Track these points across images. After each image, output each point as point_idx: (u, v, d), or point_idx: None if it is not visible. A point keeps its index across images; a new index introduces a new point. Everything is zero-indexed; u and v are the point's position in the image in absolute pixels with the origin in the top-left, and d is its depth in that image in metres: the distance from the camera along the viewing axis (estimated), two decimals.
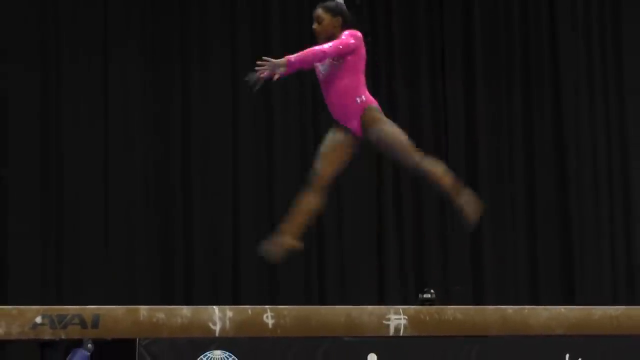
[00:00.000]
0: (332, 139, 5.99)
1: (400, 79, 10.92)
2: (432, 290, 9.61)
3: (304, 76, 10.58)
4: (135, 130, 10.07)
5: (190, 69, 10.28)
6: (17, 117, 9.75)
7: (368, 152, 10.56)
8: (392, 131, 5.87)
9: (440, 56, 11.12)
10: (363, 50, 5.86)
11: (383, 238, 10.73)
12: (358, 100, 5.86)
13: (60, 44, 9.92)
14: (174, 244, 10.08)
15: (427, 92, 11.04)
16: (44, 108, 9.85)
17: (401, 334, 5.45)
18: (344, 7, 5.94)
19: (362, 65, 5.88)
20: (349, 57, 5.83)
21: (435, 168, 6.01)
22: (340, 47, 5.77)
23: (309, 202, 5.94)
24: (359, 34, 5.84)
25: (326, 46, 5.76)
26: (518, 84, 11.28)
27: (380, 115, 5.89)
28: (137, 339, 7.75)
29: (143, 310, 5.13)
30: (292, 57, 5.69)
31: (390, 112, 10.82)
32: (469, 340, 8.38)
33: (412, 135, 10.64)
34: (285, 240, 5.88)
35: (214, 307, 5.28)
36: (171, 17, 10.29)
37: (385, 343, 8.31)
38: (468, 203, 5.99)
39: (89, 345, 4.91)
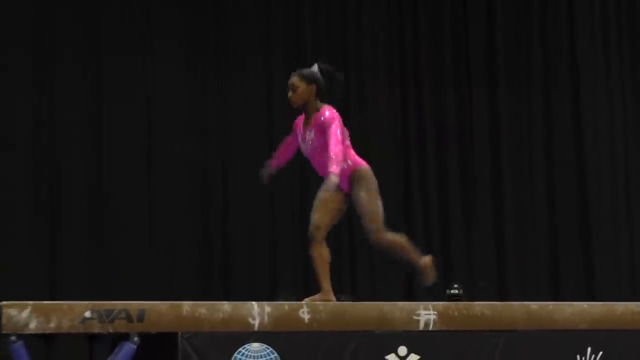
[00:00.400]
0: (322, 192, 5.93)
1: (427, 86, 10.86)
2: (457, 286, 9.56)
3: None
4: (176, 132, 10.06)
5: (228, 69, 10.26)
6: (65, 116, 9.74)
7: (395, 154, 10.67)
8: (367, 198, 5.83)
9: (465, 64, 11.05)
10: (340, 122, 5.82)
11: (411, 236, 10.66)
12: (345, 165, 5.80)
13: (102, 44, 9.92)
14: (212, 242, 10.07)
15: (453, 97, 10.98)
16: (90, 109, 9.85)
17: (430, 328, 5.43)
18: (319, 75, 5.84)
19: (342, 138, 5.81)
20: (324, 137, 5.79)
21: (397, 239, 6.03)
22: (339, 146, 5.73)
23: (321, 255, 5.97)
24: (334, 112, 5.81)
25: (334, 152, 5.70)
26: (539, 89, 11.20)
27: (365, 180, 5.84)
28: (180, 333, 7.74)
29: (186, 305, 5.13)
30: (335, 170, 5.65)
31: (418, 116, 10.83)
32: (494, 334, 8.31)
33: (438, 138, 10.75)
34: (324, 296, 5.93)
35: (253, 302, 5.27)
36: (207, 19, 10.26)
37: (415, 336, 8.24)
38: (426, 267, 6.04)
39: (135, 339, 4.88)
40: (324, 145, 5.78)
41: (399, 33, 10.91)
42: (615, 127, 11.32)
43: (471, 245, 10.83)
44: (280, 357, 8.14)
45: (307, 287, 10.14)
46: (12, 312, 4.75)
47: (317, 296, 5.88)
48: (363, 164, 5.88)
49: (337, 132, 5.75)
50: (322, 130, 5.76)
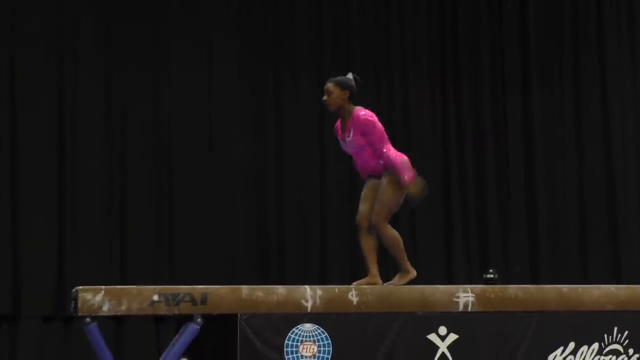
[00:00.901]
0: (369, 183, 6.02)
1: (465, 87, 10.85)
2: (492, 271, 9.55)
3: (385, 90, 10.60)
4: (234, 127, 10.12)
5: (282, 70, 10.32)
6: (130, 118, 9.84)
7: (433, 144, 10.68)
8: (385, 187, 5.84)
9: (501, 66, 11.03)
10: (379, 125, 5.87)
11: (450, 224, 10.70)
12: (378, 162, 5.89)
13: (169, 45, 10.00)
14: (268, 229, 10.13)
15: (489, 98, 10.96)
16: (155, 109, 9.94)
17: (469, 309, 5.45)
18: (352, 81, 5.95)
19: (382, 136, 5.88)
20: (362, 136, 5.86)
21: (395, 236, 6.00)
22: (395, 159, 5.82)
23: (368, 242, 5.99)
24: (369, 112, 5.89)
25: (390, 157, 5.82)
26: (570, 89, 11.15)
27: (393, 176, 5.84)
28: (239, 314, 7.81)
29: (244, 289, 5.19)
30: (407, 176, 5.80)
31: (456, 116, 10.83)
32: (527, 315, 8.32)
33: (475, 135, 10.74)
34: (371, 280, 5.93)
35: (306, 286, 5.32)
36: (263, 24, 10.31)
37: (453, 317, 8.26)
38: (402, 278, 5.99)
39: (199, 320, 4.95)
40: (364, 145, 5.86)
41: (440, 36, 10.90)
42: None
43: (506, 233, 10.81)
44: (330, 337, 8.21)
45: (354, 271, 10.19)
46: (87, 295, 4.84)
47: (364, 280, 5.90)
48: (399, 157, 5.89)
49: (384, 135, 5.83)
50: (362, 131, 5.84)
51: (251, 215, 10.07)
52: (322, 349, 8.17)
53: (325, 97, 5.97)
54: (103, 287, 4.88)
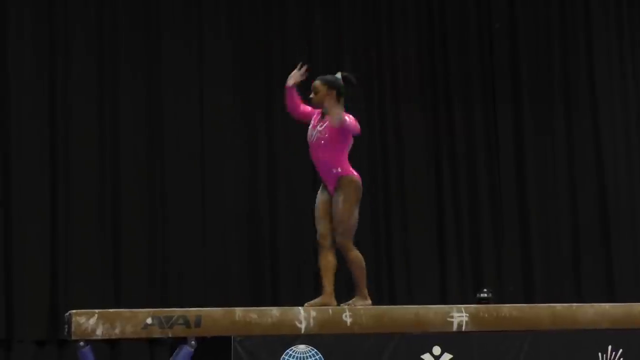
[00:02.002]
0: (320, 199, 5.95)
1: (456, 103, 10.86)
2: (486, 290, 9.54)
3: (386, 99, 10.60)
4: (227, 149, 10.11)
5: (274, 90, 10.33)
6: (125, 128, 9.82)
7: (427, 159, 10.67)
8: (341, 206, 5.78)
9: (491, 82, 11.05)
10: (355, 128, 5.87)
11: (443, 243, 10.68)
12: (334, 170, 5.84)
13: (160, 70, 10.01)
14: (262, 251, 10.10)
15: (480, 115, 10.97)
16: (149, 137, 9.93)
17: (463, 329, 5.44)
18: (340, 81, 5.94)
19: (346, 144, 5.89)
20: (337, 135, 5.84)
21: (359, 260, 5.90)
22: (353, 126, 5.85)
23: (329, 262, 5.90)
24: (354, 119, 5.90)
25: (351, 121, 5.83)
26: (560, 104, 11.17)
27: (347, 188, 5.81)
28: (232, 336, 7.78)
29: (238, 311, 5.17)
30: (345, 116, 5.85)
31: (449, 134, 10.83)
32: (521, 334, 8.29)
33: (467, 153, 10.75)
34: (325, 299, 5.80)
35: (299, 308, 5.30)
36: (254, 44, 10.33)
37: (448, 336, 8.24)
38: (357, 302, 5.83)
39: (192, 342, 4.92)
40: (329, 141, 5.81)
41: (429, 54, 10.91)
42: (631, 139, 11.27)
43: (499, 251, 10.80)
44: (324, 358, 8.18)
45: (348, 292, 10.17)
46: (81, 319, 4.82)
47: (318, 300, 5.78)
48: (351, 173, 5.87)
49: (357, 127, 5.85)
50: (338, 129, 5.80)
51: (244, 237, 10.04)
52: None
53: (312, 95, 5.93)
54: (97, 310, 4.86)
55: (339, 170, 5.84)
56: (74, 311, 4.83)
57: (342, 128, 5.80)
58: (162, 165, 9.91)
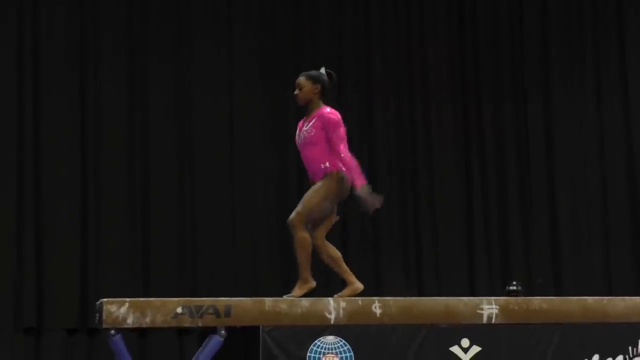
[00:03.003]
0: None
1: (486, 99, 10.81)
2: (515, 283, 9.50)
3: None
4: (256, 147, 10.12)
5: None
6: (156, 126, 9.85)
7: (457, 154, 10.64)
8: (311, 193, 5.75)
9: (521, 78, 10.99)
10: (343, 126, 5.80)
11: (472, 236, 10.66)
12: (322, 166, 5.77)
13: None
14: (290, 243, 10.08)
15: (510, 110, 10.93)
16: (180, 129, 9.95)
17: (493, 321, 5.39)
18: (325, 77, 5.85)
19: (341, 136, 5.81)
20: (324, 134, 5.75)
21: (307, 240, 5.82)
22: (351, 160, 5.77)
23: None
24: (338, 114, 5.78)
25: (352, 161, 5.75)
26: (591, 98, 11.10)
27: (325, 181, 5.75)
28: (261, 327, 7.78)
29: (268, 301, 5.15)
30: (362, 180, 5.76)
31: (478, 130, 10.80)
32: (551, 327, 8.26)
33: (497, 149, 10.71)
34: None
35: (329, 298, 5.28)
36: (285, 43, 10.33)
37: (477, 329, 8.21)
38: (301, 288, 5.78)
39: (222, 332, 4.91)
40: (318, 140, 5.74)
41: (460, 52, 10.87)
42: None
43: (528, 244, 10.76)
44: (353, 349, 8.17)
45: (377, 283, 10.16)
46: (112, 308, 4.81)
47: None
48: (339, 169, 5.77)
49: (344, 138, 5.76)
50: (323, 126, 5.72)
51: (274, 227, 10.05)
52: None
53: (296, 91, 5.85)
54: (127, 299, 4.85)
55: (327, 165, 5.76)
56: (105, 300, 4.83)
57: (328, 129, 5.73)
58: (191, 160, 9.93)
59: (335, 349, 8.14)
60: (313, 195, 5.75)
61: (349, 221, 10.28)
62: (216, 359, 5.12)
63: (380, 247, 10.31)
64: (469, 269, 10.54)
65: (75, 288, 9.36)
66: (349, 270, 5.92)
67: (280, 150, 10.16)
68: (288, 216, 10.14)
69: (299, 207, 5.75)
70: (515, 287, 9.30)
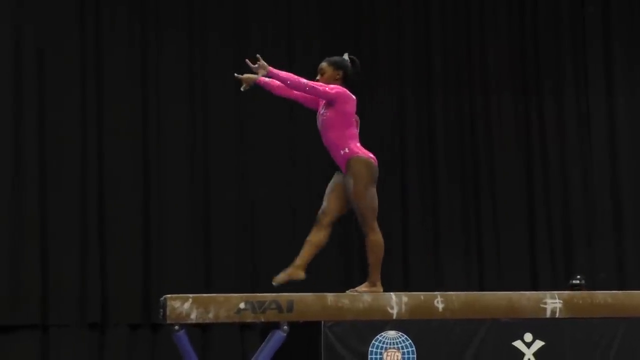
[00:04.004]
0: (334, 180, 5.81)
1: (548, 91, 10.72)
2: (579, 277, 9.41)
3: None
4: (316, 143, 10.09)
5: (361, 91, 10.28)
6: (213, 128, 9.89)
7: (516, 150, 10.56)
8: (354, 189, 5.64)
9: (583, 68, 10.87)
10: (349, 108, 5.63)
11: (534, 230, 10.57)
12: (342, 152, 5.66)
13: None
14: (351, 237, 10.10)
15: (572, 102, 10.82)
16: (237, 130, 9.98)
17: (557, 316, 5.34)
18: (347, 62, 5.72)
19: (348, 122, 5.65)
20: (335, 114, 5.62)
21: (373, 240, 5.74)
22: (319, 88, 5.57)
23: (319, 239, 5.80)
24: (346, 92, 5.62)
25: (307, 81, 5.57)
26: None
27: (358, 168, 5.66)
28: (322, 322, 7.79)
29: (330, 296, 5.17)
30: (274, 70, 5.55)
31: (540, 124, 10.71)
32: (615, 321, 8.16)
33: (559, 142, 10.61)
34: (292, 271, 5.68)
35: (391, 293, 5.27)
36: (346, 35, 10.34)
37: (539, 323, 8.15)
38: (362, 287, 5.57)
39: (285, 327, 4.92)
40: (333, 123, 5.63)
41: (520, 47, 10.79)
42: None
43: (591, 238, 10.65)
44: (414, 344, 8.15)
45: (439, 278, 10.12)
46: (176, 304, 4.84)
47: (288, 270, 5.66)
48: (359, 153, 5.68)
49: (328, 89, 5.58)
50: (330, 103, 5.62)
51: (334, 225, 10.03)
52: (406, 356, 8.11)
53: (318, 77, 5.72)
54: (191, 295, 4.88)
55: (346, 150, 5.65)
56: (169, 296, 4.86)
57: (336, 103, 5.60)
58: (251, 157, 9.96)
59: (397, 344, 8.13)
60: (357, 192, 5.65)
61: (409, 216, 10.25)
62: (278, 354, 5.14)
63: (442, 242, 10.27)
64: (531, 263, 10.46)
65: (138, 284, 9.44)
66: (308, 257, 5.80)
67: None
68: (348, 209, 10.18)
69: (357, 211, 5.67)
70: (578, 281, 9.20)
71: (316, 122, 5.78)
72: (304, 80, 5.56)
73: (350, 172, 5.65)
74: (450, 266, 10.16)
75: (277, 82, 5.69)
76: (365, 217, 5.70)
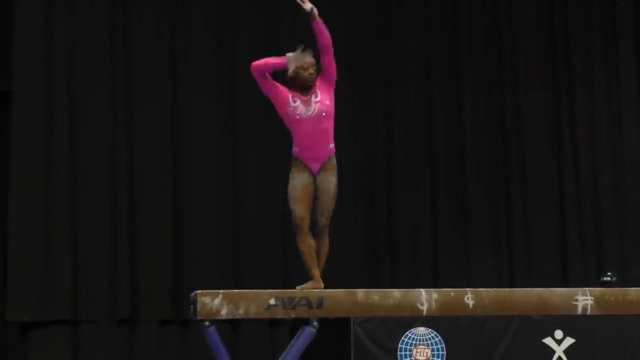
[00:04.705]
0: (300, 180, 5.76)
1: (578, 87, 10.66)
2: (610, 274, 9.35)
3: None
4: (345, 140, 10.10)
5: (392, 83, 10.28)
6: (246, 122, 9.91)
7: (548, 146, 10.51)
8: (333, 192, 5.65)
9: (615, 64, 10.79)
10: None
11: (565, 227, 10.51)
12: (329, 146, 5.68)
13: None
14: (379, 235, 10.09)
15: (603, 97, 10.75)
16: (267, 124, 9.98)
17: (588, 312, 5.33)
18: None
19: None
20: (333, 103, 5.67)
21: (324, 244, 5.67)
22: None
23: (310, 246, 5.66)
24: None
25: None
26: None
27: (336, 171, 5.70)
28: (352, 318, 7.79)
29: (360, 293, 5.17)
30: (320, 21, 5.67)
31: (570, 117, 10.65)
32: None
33: (590, 137, 10.55)
34: (316, 284, 5.46)
35: (421, 290, 5.26)
36: (374, 32, 10.32)
37: (570, 320, 8.11)
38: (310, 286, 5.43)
39: (315, 323, 4.93)
40: (331, 111, 5.66)
41: (550, 45, 10.73)
42: None
43: (622, 235, 10.57)
44: (444, 340, 8.13)
45: (469, 275, 10.09)
46: (206, 299, 4.86)
47: (309, 284, 5.42)
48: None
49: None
50: (329, 89, 5.67)
51: (361, 217, 10.04)
52: (435, 352, 8.10)
53: (312, 71, 5.75)
54: (221, 291, 4.91)
55: (332, 146, 5.69)
56: (199, 291, 4.88)
57: (333, 89, 5.67)
58: (281, 154, 9.91)
59: (427, 341, 8.11)
60: (335, 196, 5.71)
61: (439, 216, 10.22)
62: (308, 350, 5.15)
63: (471, 238, 10.23)
64: (563, 260, 10.40)
65: (168, 280, 9.47)
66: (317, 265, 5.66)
67: (365, 144, 10.15)
68: (375, 206, 10.20)
69: (327, 213, 5.67)
70: (609, 278, 9.15)
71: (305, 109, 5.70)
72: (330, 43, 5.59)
73: (332, 169, 5.68)
74: (479, 266, 10.11)
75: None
76: (329, 218, 5.69)
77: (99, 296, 9.32)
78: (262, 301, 4.92)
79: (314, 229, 5.69)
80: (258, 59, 5.78)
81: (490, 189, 10.37)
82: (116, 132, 9.57)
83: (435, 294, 5.25)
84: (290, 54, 5.76)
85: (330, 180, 5.66)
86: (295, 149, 5.74)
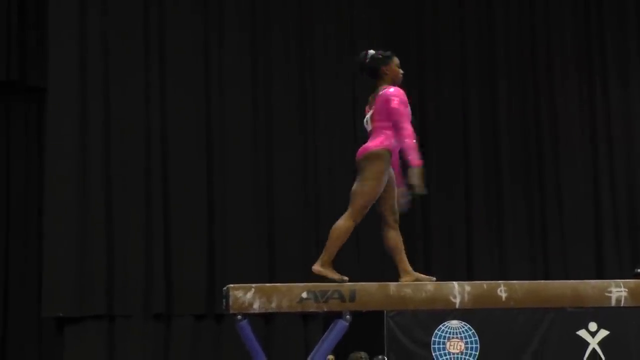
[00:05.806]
0: (391, 175, 5.86)
1: (613, 80, 10.60)
2: None
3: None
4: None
5: (426, 77, 10.23)
6: (277, 122, 9.90)
7: (581, 141, 10.43)
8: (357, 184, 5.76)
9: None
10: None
11: (600, 220, 10.44)
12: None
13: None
14: (413, 228, 10.06)
15: (637, 91, 10.67)
16: (302, 117, 9.98)
17: (622, 304, 5.25)
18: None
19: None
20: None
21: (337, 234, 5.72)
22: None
23: (395, 239, 5.81)
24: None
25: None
26: None
27: (363, 163, 5.79)
28: (385, 312, 7.76)
29: (392, 286, 5.13)
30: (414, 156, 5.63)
31: (604, 111, 10.57)
32: None
33: (625, 130, 10.45)
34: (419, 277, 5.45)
35: (454, 282, 5.21)
36: (408, 29, 10.28)
37: (604, 312, 8.04)
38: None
39: (347, 317, 4.90)
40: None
41: (586, 34, 10.65)
42: None
43: None
44: (477, 333, 8.09)
45: (502, 267, 10.03)
46: (238, 294, 4.83)
47: (408, 278, 5.39)
48: (369, 148, 5.76)
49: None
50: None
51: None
52: (469, 345, 8.06)
53: (401, 72, 5.77)
54: (253, 285, 4.87)
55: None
56: (231, 285, 4.85)
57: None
58: (313, 152, 9.97)
59: (460, 334, 8.08)
60: (358, 187, 5.87)
61: (472, 207, 10.17)
62: (341, 343, 5.12)
63: (505, 231, 10.18)
64: (597, 252, 10.33)
65: (203, 275, 9.49)
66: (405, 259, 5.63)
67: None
68: (412, 201, 10.15)
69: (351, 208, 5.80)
70: None
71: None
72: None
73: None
74: (514, 256, 10.06)
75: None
76: (354, 206, 5.86)
77: (134, 291, 9.36)
78: (294, 295, 4.88)
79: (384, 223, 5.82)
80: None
81: (526, 182, 10.34)
82: (150, 127, 9.60)
83: (468, 286, 5.18)
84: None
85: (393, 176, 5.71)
86: (393, 143, 5.76)
